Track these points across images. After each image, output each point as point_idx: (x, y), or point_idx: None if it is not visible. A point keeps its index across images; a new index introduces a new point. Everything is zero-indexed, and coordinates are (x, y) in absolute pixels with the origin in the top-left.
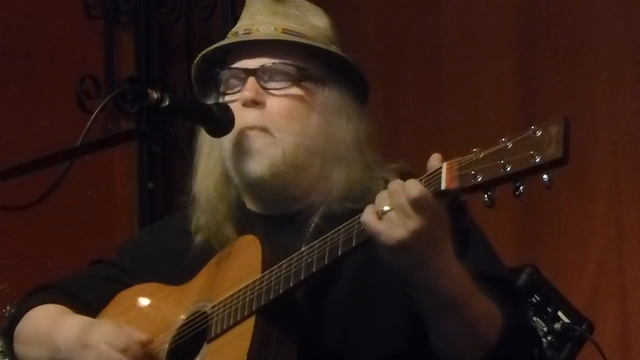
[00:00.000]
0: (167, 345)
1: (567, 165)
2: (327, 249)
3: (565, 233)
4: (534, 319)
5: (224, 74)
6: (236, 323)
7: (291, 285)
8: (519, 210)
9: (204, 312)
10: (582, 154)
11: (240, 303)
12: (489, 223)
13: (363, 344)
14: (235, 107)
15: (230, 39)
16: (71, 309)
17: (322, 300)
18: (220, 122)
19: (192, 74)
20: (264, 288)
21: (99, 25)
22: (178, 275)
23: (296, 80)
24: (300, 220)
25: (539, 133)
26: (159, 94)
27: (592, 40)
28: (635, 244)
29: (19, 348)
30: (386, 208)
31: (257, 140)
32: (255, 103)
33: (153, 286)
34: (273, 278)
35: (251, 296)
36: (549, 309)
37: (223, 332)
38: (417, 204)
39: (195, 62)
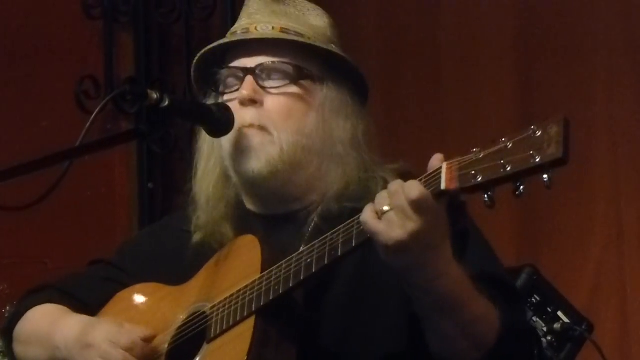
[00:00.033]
0: (166, 345)
1: (567, 165)
2: (327, 249)
3: (564, 233)
4: (534, 319)
5: (223, 73)
6: (236, 323)
7: (291, 285)
8: (519, 210)
9: (204, 312)
10: (582, 154)
11: (240, 303)
12: (488, 223)
13: (362, 344)
14: (234, 106)
15: (228, 38)
16: (70, 309)
17: (321, 300)
18: (220, 122)
19: (192, 74)
20: (264, 288)
21: (98, 26)
22: (177, 275)
23: (294, 79)
24: (299, 220)
25: (539, 133)
26: (158, 95)
27: (592, 40)
28: (635, 243)
29: (18, 348)
30: (386, 208)
31: (255, 139)
32: (253, 102)
33: (152, 286)
34: (273, 278)
35: (251, 296)
36: (549, 309)
37: (223, 332)
38: (417, 205)
39: (194, 62)
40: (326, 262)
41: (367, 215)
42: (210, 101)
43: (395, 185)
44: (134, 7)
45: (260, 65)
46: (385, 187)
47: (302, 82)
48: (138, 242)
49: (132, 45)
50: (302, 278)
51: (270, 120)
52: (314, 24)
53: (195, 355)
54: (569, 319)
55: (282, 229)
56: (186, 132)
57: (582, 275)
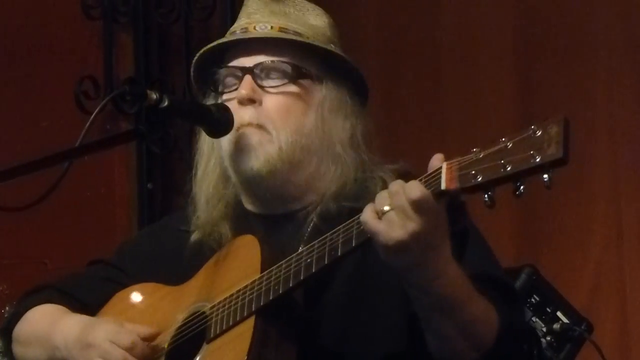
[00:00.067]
0: (166, 345)
1: (567, 165)
2: (327, 249)
3: (564, 233)
4: (533, 319)
5: (222, 72)
6: (236, 323)
7: (291, 285)
8: (518, 210)
9: (203, 312)
10: (582, 154)
11: (240, 303)
12: (488, 223)
13: (361, 344)
14: (232, 106)
15: (227, 37)
16: (70, 309)
17: (320, 300)
18: (219, 122)
19: (192, 74)
20: (264, 288)
21: (97, 26)
22: (176, 275)
23: (292, 78)
24: (298, 219)
25: (539, 133)
26: (158, 95)
27: (592, 40)
28: (635, 244)
29: (17, 349)
30: (386, 208)
31: (253, 138)
32: (251, 101)
33: (151, 286)
34: (272, 278)
35: (250, 296)
36: (548, 309)
37: (222, 332)
38: (418, 205)
39: (194, 61)
40: (326, 262)
41: (368, 215)
42: (209, 101)
43: (396, 185)
44: (133, 8)
45: (259, 64)
46: (384, 187)
47: (300, 81)
48: (137, 242)
49: (131, 46)
50: (302, 278)
51: (268, 120)
52: (314, 23)
53: (195, 355)
54: (568, 319)
55: (281, 229)
56: (185, 133)
57: (581, 276)
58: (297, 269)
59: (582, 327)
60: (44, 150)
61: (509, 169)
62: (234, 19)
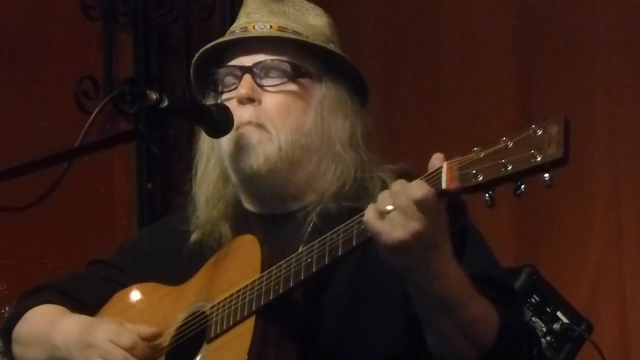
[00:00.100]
0: (166, 345)
1: (567, 165)
2: (327, 248)
3: (564, 233)
4: (533, 319)
5: (221, 72)
6: (236, 323)
7: (291, 285)
8: (518, 210)
9: (203, 312)
10: (582, 154)
11: (240, 303)
12: (488, 223)
13: (361, 344)
14: (232, 105)
15: (226, 37)
16: (69, 309)
17: (320, 300)
18: (219, 122)
19: (191, 73)
20: (264, 288)
21: (97, 26)
22: (176, 275)
23: (292, 77)
24: (298, 219)
25: (539, 132)
26: (157, 95)
27: (592, 40)
28: (635, 243)
29: (17, 349)
30: (389, 208)
31: (253, 136)
32: (250, 100)
33: (151, 286)
34: (273, 278)
35: (251, 296)
36: (548, 309)
37: (223, 332)
38: (421, 205)
39: (193, 61)
40: (326, 262)
41: (370, 215)
42: (209, 101)
43: (399, 184)
44: (133, 8)
45: (258, 63)
46: (383, 188)
47: (300, 80)
48: (137, 242)
49: (131, 46)
50: (302, 278)
51: (268, 119)
52: (313, 23)
53: (195, 355)
54: (568, 319)
55: (280, 229)
56: (185, 133)
57: (581, 276)
58: (297, 268)
59: (582, 327)
60: (43, 150)
61: (509, 168)
62: (233, 19)
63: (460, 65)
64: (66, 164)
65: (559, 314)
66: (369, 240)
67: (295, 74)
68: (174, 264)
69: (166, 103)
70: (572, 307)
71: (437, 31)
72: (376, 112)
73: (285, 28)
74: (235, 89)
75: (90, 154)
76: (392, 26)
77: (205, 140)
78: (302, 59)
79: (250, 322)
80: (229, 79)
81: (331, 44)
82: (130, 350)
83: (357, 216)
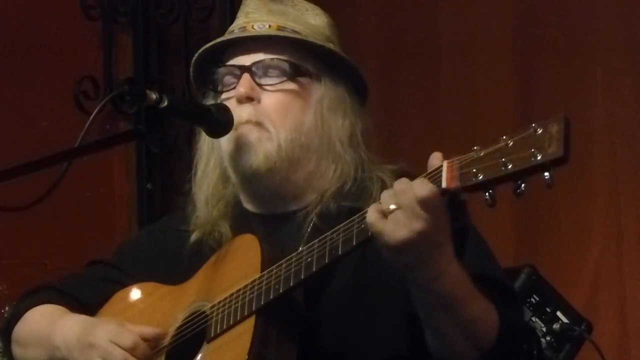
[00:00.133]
0: (166, 345)
1: (567, 164)
2: (327, 248)
3: (564, 233)
4: (533, 319)
5: (220, 72)
6: (236, 323)
7: (291, 284)
8: (518, 210)
9: (203, 312)
10: (581, 153)
11: (240, 303)
12: (487, 223)
13: (361, 343)
14: (231, 104)
15: (225, 36)
16: (69, 309)
17: (320, 300)
18: (219, 122)
19: (191, 74)
20: (264, 287)
21: (97, 26)
22: (176, 275)
23: (291, 76)
24: (298, 219)
25: (539, 131)
26: (157, 95)
27: (592, 40)
28: (634, 243)
29: (17, 350)
30: (392, 207)
31: (252, 135)
32: (249, 99)
33: (150, 286)
34: (273, 277)
35: (251, 296)
36: (548, 309)
37: (223, 331)
38: (425, 203)
39: (192, 61)
40: (327, 261)
41: (373, 215)
42: (209, 101)
43: (402, 183)
44: (132, 8)
45: (257, 62)
46: (383, 188)
47: (299, 79)
48: (137, 242)
49: (131, 46)
50: (302, 277)
51: (267, 117)
52: (312, 22)
53: (195, 355)
54: (568, 319)
55: (280, 229)
56: (185, 133)
57: (581, 275)
58: (297, 268)
59: (582, 327)
60: (43, 150)
61: (509, 167)
62: (233, 19)
63: (460, 66)
64: (66, 164)
65: (558, 313)
66: (369, 240)
67: (294, 73)
68: (173, 263)
69: (166, 103)
70: (572, 307)
71: (437, 31)
72: (376, 112)
73: (284, 27)
74: (234, 88)
75: (90, 154)
76: (392, 26)
77: (205, 141)
78: (301, 58)
79: (250, 322)
80: (228, 79)
81: (330, 44)
82: (131, 350)
83: (357, 215)
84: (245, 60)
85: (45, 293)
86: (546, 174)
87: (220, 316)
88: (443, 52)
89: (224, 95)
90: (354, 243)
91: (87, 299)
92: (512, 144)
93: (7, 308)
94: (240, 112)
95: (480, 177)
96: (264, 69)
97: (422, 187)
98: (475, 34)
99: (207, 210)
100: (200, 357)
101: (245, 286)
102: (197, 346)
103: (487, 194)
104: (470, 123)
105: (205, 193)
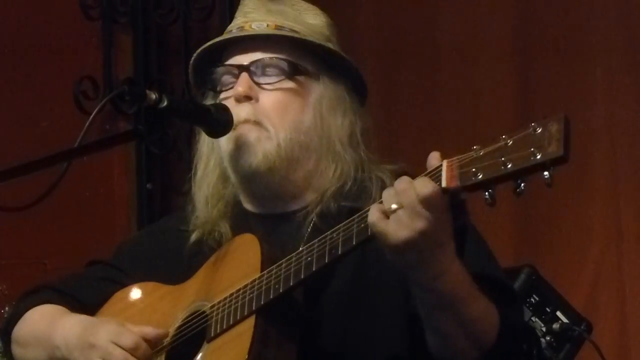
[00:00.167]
0: (166, 345)
1: (567, 163)
2: (327, 247)
3: (563, 233)
4: (533, 319)
5: (219, 71)
6: (236, 322)
7: (291, 284)
8: (518, 210)
9: (203, 312)
10: (581, 154)
11: (240, 302)
12: (487, 223)
13: (361, 343)
14: (230, 103)
15: (223, 36)
16: (69, 309)
17: (320, 299)
18: (219, 122)
19: (190, 74)
20: (264, 287)
21: (97, 26)
22: (176, 275)
23: (289, 75)
24: (298, 219)
25: (539, 130)
26: (157, 95)
27: (592, 40)
28: (634, 243)
29: (17, 350)
30: (394, 206)
31: (251, 135)
32: (248, 98)
33: (150, 285)
34: (273, 277)
35: (251, 295)
36: (548, 309)
37: (223, 331)
38: (428, 202)
39: (191, 61)
40: (327, 261)
41: (375, 216)
42: (208, 101)
43: (404, 182)
44: (132, 8)
45: (255, 61)
46: (383, 188)
47: (297, 77)
48: (136, 242)
49: (130, 46)
50: (302, 277)
51: (265, 117)
52: (311, 22)
53: (195, 355)
54: (567, 319)
55: (280, 228)
56: (184, 133)
57: (581, 275)
58: (297, 267)
59: (582, 327)
60: (43, 150)
61: (509, 166)
62: (232, 19)
63: (459, 66)
64: (66, 164)
65: (558, 313)
66: (369, 239)
67: (292, 72)
68: (173, 263)
69: (165, 103)
70: (572, 307)
71: (437, 31)
72: (376, 112)
73: (282, 27)
74: (232, 87)
75: (89, 154)
76: (392, 26)
77: (205, 141)
78: (300, 58)
79: (250, 322)
80: (227, 78)
81: (329, 43)
82: (131, 351)
83: (357, 215)
84: (244, 59)
85: (45, 293)
86: (546, 173)
87: (220, 316)
88: (443, 52)
89: (222, 95)
90: (354, 243)
91: (87, 299)
92: (512, 143)
93: (7, 308)
94: (239, 111)
95: (480, 177)
96: (262, 68)
97: (423, 186)
98: (475, 34)
99: (207, 210)
100: (201, 357)
101: (245, 286)
102: (197, 346)
103: (486, 193)
104: (470, 123)
105: (205, 193)
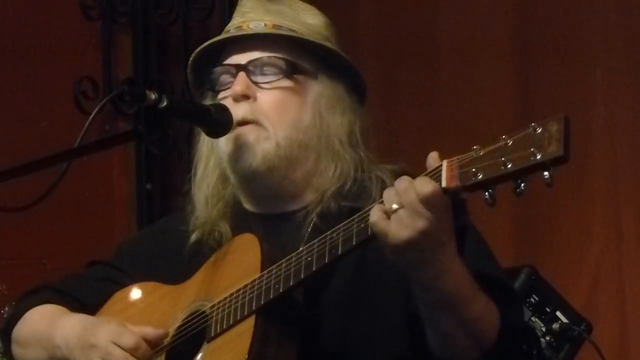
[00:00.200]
0: (166, 345)
1: (567, 163)
2: (327, 247)
3: (563, 233)
4: (533, 319)
5: (217, 71)
6: (236, 322)
7: (291, 284)
8: (517, 210)
9: (203, 312)
10: (581, 154)
11: (240, 302)
12: (487, 223)
13: (361, 343)
14: (228, 103)
15: (221, 36)
16: (69, 309)
17: (320, 299)
18: (218, 123)
19: (188, 75)
20: (264, 287)
21: (96, 27)
22: (176, 275)
23: (287, 74)
24: (298, 219)
25: (539, 130)
26: (156, 95)
27: (592, 40)
28: (634, 244)
29: (17, 350)
30: (395, 206)
31: (250, 135)
32: (245, 97)
33: (150, 285)
34: (273, 277)
35: (251, 295)
36: (548, 309)
37: (223, 331)
38: (429, 202)
39: (190, 61)
40: (327, 261)
41: (376, 216)
42: (207, 101)
43: (404, 182)
44: (132, 8)
45: (253, 61)
46: (383, 188)
47: (295, 76)
48: (136, 242)
49: (130, 46)
50: (302, 277)
51: (264, 116)
52: (309, 22)
53: (195, 355)
54: (567, 319)
55: (280, 228)
56: (184, 133)
57: (580, 276)
58: (297, 267)
59: (582, 327)
60: (43, 150)
61: (509, 166)
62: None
63: (459, 65)
64: (65, 164)
65: (558, 313)
66: (369, 239)
67: (290, 71)
68: (173, 263)
69: (165, 103)
70: (572, 307)
71: (436, 31)
72: (375, 112)
73: (281, 26)
74: (230, 87)
75: (89, 154)
76: (392, 26)
77: (204, 141)
78: (298, 57)
79: (250, 321)
80: (225, 78)
81: (328, 42)
82: (132, 351)
83: (357, 215)
84: (242, 59)
85: (45, 293)
86: (546, 173)
87: (220, 316)
88: (443, 52)
89: (220, 95)
90: (354, 243)
91: (87, 299)
92: (512, 143)
93: (7, 308)
94: (237, 111)
95: (480, 177)
96: (260, 67)
97: (424, 185)
98: (475, 34)
99: (207, 211)
100: (201, 357)
101: (245, 286)
102: (197, 346)
103: (486, 193)
104: (470, 123)
105: (204, 193)
